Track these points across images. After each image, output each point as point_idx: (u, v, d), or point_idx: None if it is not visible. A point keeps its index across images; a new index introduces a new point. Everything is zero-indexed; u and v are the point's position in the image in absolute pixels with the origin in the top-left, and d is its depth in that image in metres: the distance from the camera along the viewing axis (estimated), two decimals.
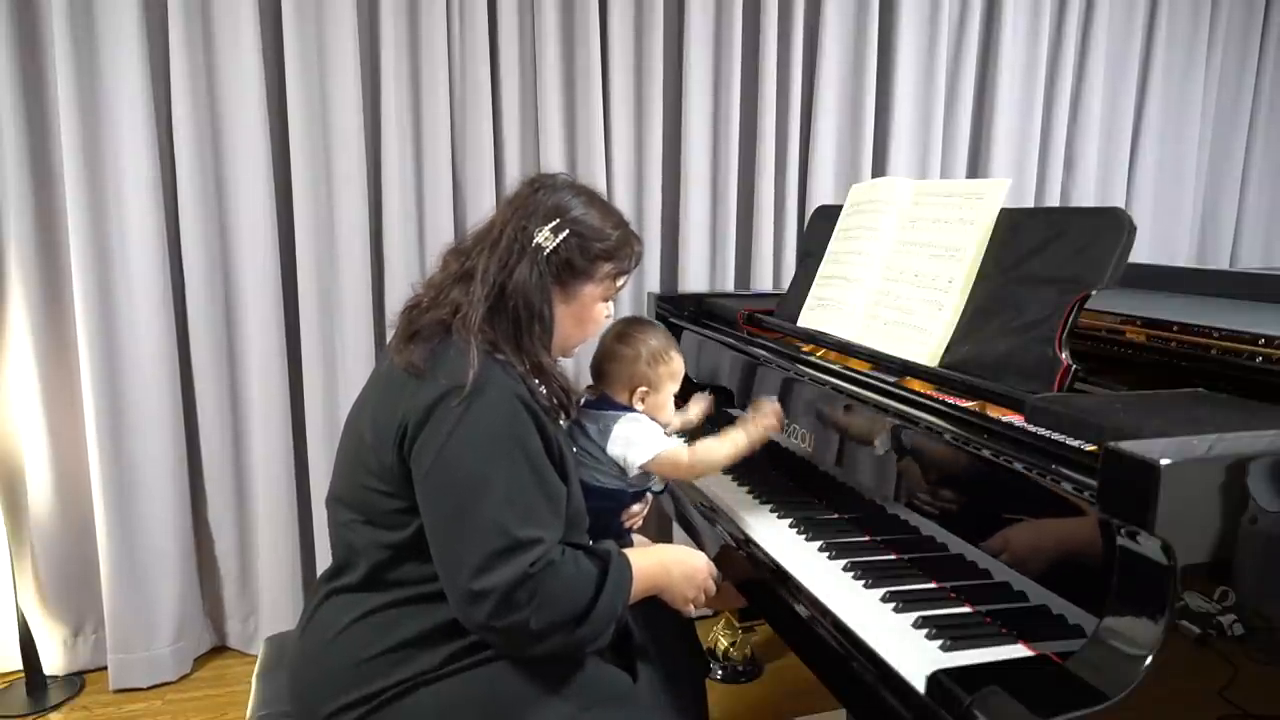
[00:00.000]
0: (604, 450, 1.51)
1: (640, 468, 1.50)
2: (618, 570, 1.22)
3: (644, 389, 1.54)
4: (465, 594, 1.12)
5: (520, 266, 1.26)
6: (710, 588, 1.38)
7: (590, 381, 1.64)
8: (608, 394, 1.57)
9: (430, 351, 1.21)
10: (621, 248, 1.34)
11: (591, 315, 1.36)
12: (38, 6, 2.10)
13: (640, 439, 1.50)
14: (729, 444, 1.53)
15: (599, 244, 1.31)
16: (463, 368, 1.17)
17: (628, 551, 1.29)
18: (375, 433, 1.23)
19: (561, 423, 1.34)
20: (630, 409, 1.54)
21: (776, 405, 1.59)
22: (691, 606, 1.38)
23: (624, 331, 1.58)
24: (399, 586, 1.22)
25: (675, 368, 1.57)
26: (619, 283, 1.37)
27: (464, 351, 1.19)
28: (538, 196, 1.32)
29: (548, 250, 1.27)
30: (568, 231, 1.28)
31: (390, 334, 1.35)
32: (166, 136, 2.22)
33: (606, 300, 1.37)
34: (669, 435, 1.59)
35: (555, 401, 1.28)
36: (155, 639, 2.32)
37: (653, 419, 1.55)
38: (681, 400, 1.67)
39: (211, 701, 2.29)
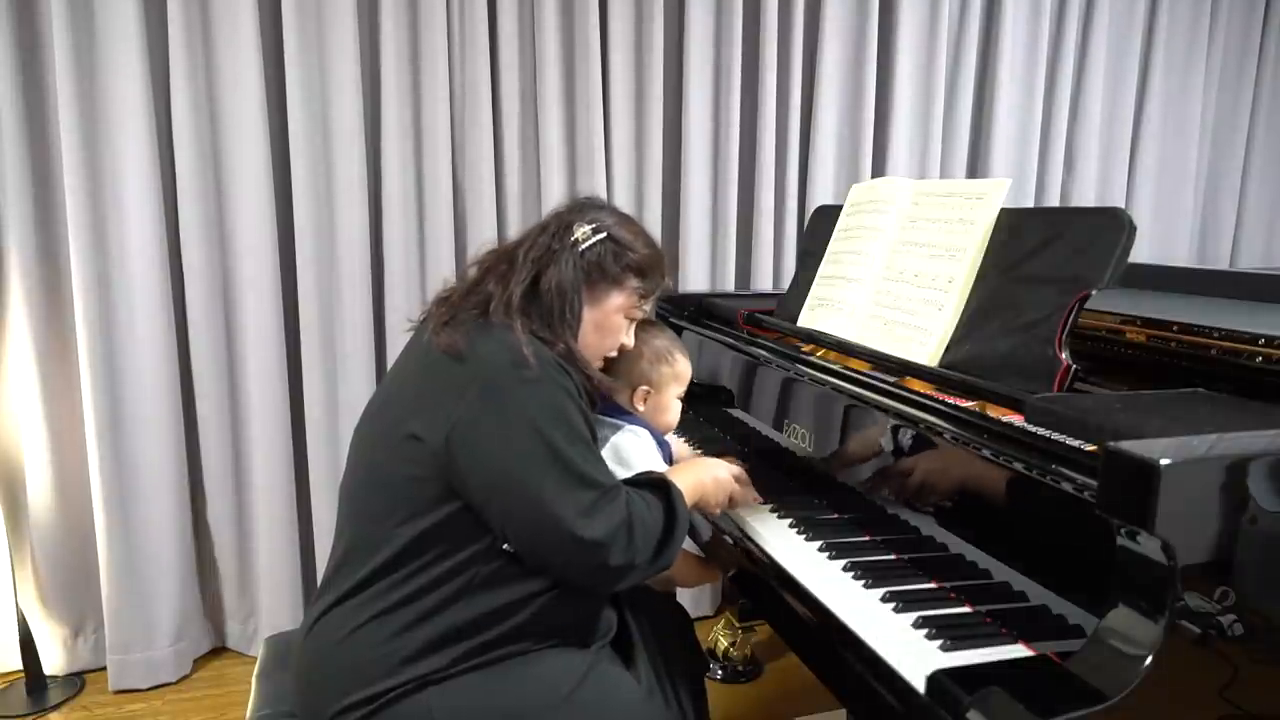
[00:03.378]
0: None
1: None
2: (677, 494, 1.29)
3: (646, 389, 1.52)
4: (577, 543, 1.17)
5: (557, 260, 1.31)
6: (738, 491, 1.45)
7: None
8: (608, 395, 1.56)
9: (469, 335, 1.23)
10: (652, 266, 1.38)
11: (613, 325, 1.38)
12: (37, 6, 2.10)
13: (634, 457, 1.45)
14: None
15: (631, 254, 1.35)
16: (510, 346, 1.20)
17: (668, 472, 1.35)
18: (418, 415, 1.22)
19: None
20: (632, 416, 1.51)
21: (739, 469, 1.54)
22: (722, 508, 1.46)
23: None
24: (410, 581, 1.21)
25: (680, 369, 1.54)
26: (643, 301, 1.40)
27: (508, 331, 1.22)
28: (585, 206, 1.39)
29: (584, 248, 1.32)
30: (605, 235, 1.33)
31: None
32: (166, 136, 2.22)
33: (629, 317, 1.40)
34: (668, 439, 1.58)
35: (583, 386, 1.30)
36: (155, 639, 2.32)
37: (655, 422, 1.53)
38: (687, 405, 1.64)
39: (211, 702, 2.29)
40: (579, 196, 1.45)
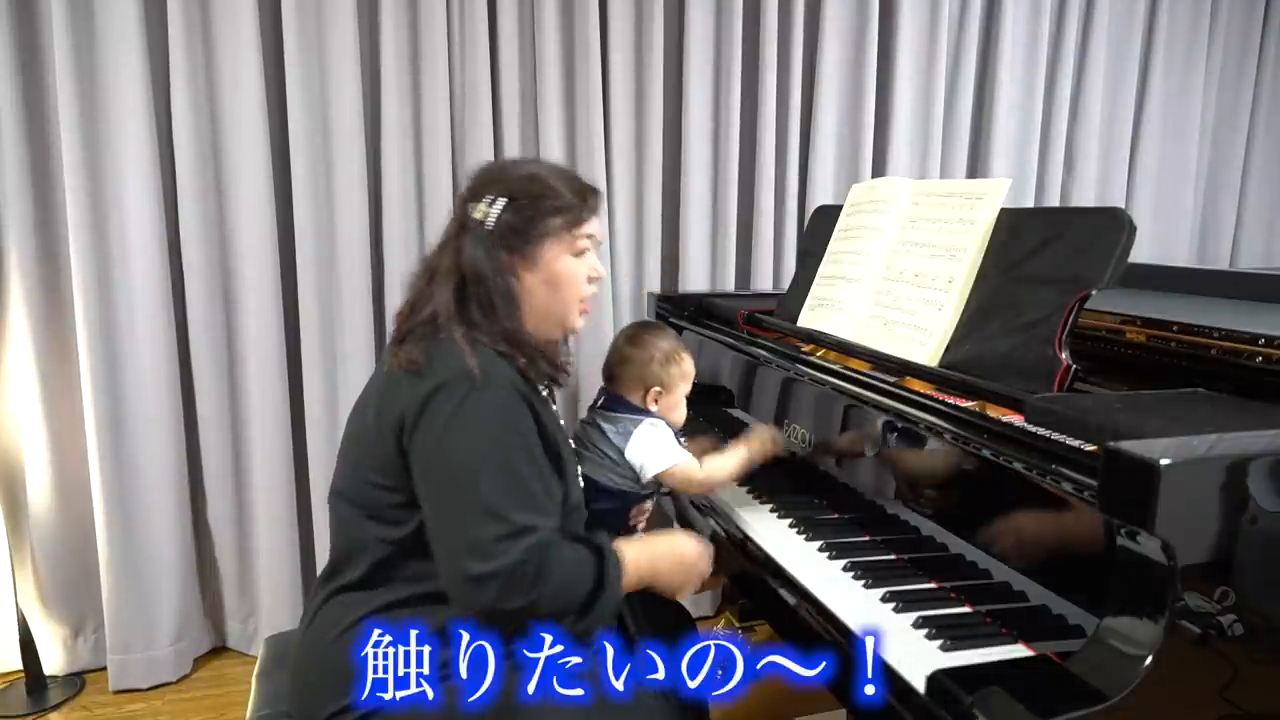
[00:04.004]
0: (622, 453, 1.52)
1: (654, 476, 1.52)
2: (613, 562, 1.23)
3: (657, 389, 1.57)
4: (466, 579, 1.13)
5: (466, 247, 1.26)
6: (704, 570, 1.38)
7: (599, 385, 1.65)
8: (622, 396, 1.58)
9: (424, 349, 1.22)
10: (569, 197, 1.30)
11: (564, 275, 1.31)
12: (37, 6, 2.10)
13: (659, 448, 1.53)
14: (734, 460, 1.57)
15: (543, 201, 1.28)
16: (457, 360, 1.18)
17: (620, 541, 1.30)
18: (377, 428, 1.23)
19: (555, 395, 1.35)
20: (648, 413, 1.56)
21: (778, 432, 1.62)
22: (687, 591, 1.38)
23: (635, 334, 1.62)
24: (400, 584, 1.23)
25: (687, 368, 1.60)
26: (579, 232, 1.32)
27: (455, 345, 1.20)
28: (477, 181, 1.32)
29: (489, 224, 1.26)
30: (504, 201, 1.27)
31: (388, 335, 1.35)
32: (166, 136, 2.22)
33: (579, 256, 1.33)
34: (680, 439, 1.61)
35: (544, 371, 1.27)
36: (155, 639, 2.32)
37: (666, 420, 1.58)
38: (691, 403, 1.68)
39: (211, 701, 2.29)
40: (473, 170, 1.37)
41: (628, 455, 1.52)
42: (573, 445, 1.45)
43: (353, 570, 1.26)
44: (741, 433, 1.65)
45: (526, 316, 1.31)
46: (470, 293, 1.25)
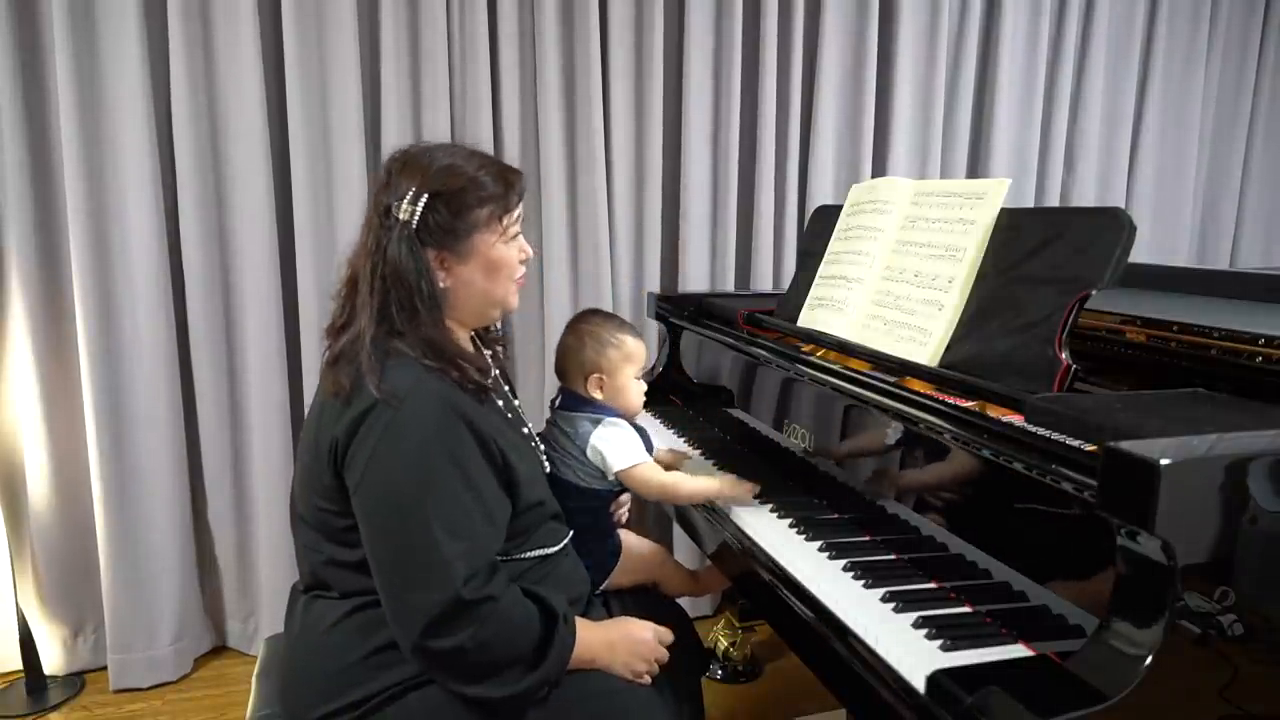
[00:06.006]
0: (583, 453, 1.51)
1: (616, 474, 1.51)
2: (561, 640, 1.21)
3: (598, 375, 1.54)
4: (395, 617, 1.15)
5: (390, 248, 1.21)
6: (662, 656, 1.34)
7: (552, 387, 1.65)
8: (573, 390, 1.57)
9: (350, 372, 1.19)
10: (493, 186, 1.26)
11: (497, 261, 1.28)
12: (38, 8, 2.10)
13: (617, 447, 1.49)
14: (700, 486, 1.53)
15: (469, 194, 1.24)
16: (382, 382, 1.15)
17: (581, 622, 1.28)
18: (315, 454, 1.23)
19: (502, 402, 1.33)
20: (599, 405, 1.54)
21: (754, 486, 1.56)
22: (646, 677, 1.32)
23: (572, 323, 1.60)
24: (371, 592, 1.22)
25: (628, 350, 1.56)
26: (508, 219, 1.29)
27: (380, 365, 1.17)
28: (392, 174, 1.26)
29: (414, 222, 1.22)
30: (427, 196, 1.22)
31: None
32: (166, 136, 2.22)
33: (507, 241, 1.30)
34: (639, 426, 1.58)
35: (472, 378, 1.23)
36: (155, 639, 2.32)
37: (618, 405, 1.55)
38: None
39: (211, 701, 2.29)
40: (384, 161, 1.30)
41: (588, 456, 1.50)
42: (536, 443, 1.44)
43: (324, 586, 1.28)
44: (719, 475, 1.61)
45: (463, 306, 1.29)
46: (391, 297, 1.21)
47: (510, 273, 1.32)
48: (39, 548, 2.29)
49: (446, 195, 1.23)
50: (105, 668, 2.33)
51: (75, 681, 2.34)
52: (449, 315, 1.29)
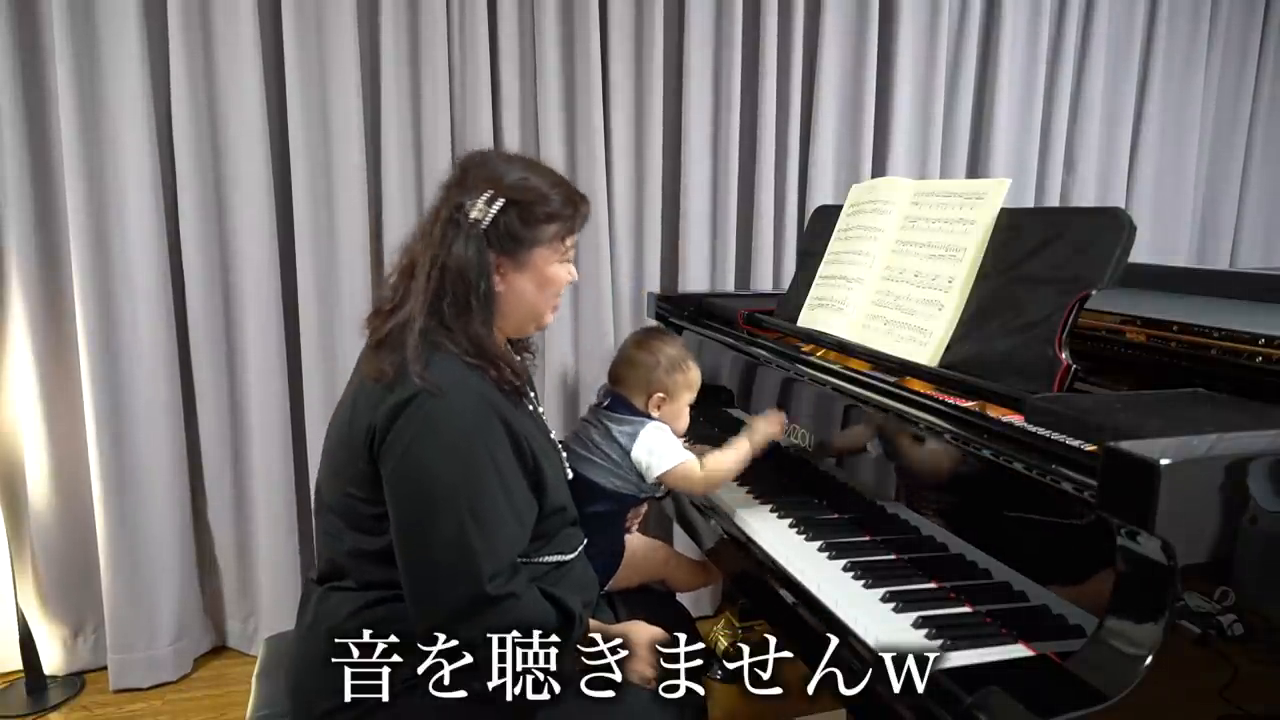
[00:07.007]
0: (627, 454, 1.52)
1: (657, 477, 1.52)
2: (575, 641, 1.23)
3: (661, 395, 1.57)
4: (420, 610, 1.16)
5: (457, 244, 1.23)
6: (666, 659, 1.35)
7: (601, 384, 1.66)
8: (625, 399, 1.58)
9: (395, 360, 1.20)
10: (564, 207, 1.30)
11: (551, 278, 1.32)
12: (38, 7, 2.10)
13: (665, 449, 1.52)
14: (734, 453, 1.56)
15: (540, 207, 1.27)
16: (426, 372, 1.17)
17: (592, 624, 1.30)
18: (350, 438, 1.23)
19: (531, 407, 1.35)
20: (649, 416, 1.56)
21: (780, 414, 1.61)
22: (652, 680, 1.33)
23: (644, 340, 1.62)
24: (389, 588, 1.22)
25: (693, 378, 1.60)
26: (569, 242, 1.34)
27: (425, 355, 1.19)
28: (469, 173, 1.29)
29: (485, 224, 1.24)
30: (503, 201, 1.25)
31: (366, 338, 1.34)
32: (166, 137, 2.22)
33: (563, 262, 1.34)
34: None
35: (509, 380, 1.25)
36: (155, 639, 2.32)
37: (667, 425, 1.57)
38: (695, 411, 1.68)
39: (211, 701, 2.29)
40: (460, 158, 1.35)
41: (634, 455, 1.52)
42: (560, 446, 1.45)
43: (341, 577, 1.28)
44: (742, 429, 1.64)
45: (509, 314, 1.32)
46: (448, 290, 1.23)
47: (556, 291, 1.35)
48: (39, 548, 2.29)
49: (521, 205, 1.26)
50: (105, 668, 2.33)
51: (75, 681, 2.34)
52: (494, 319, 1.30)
